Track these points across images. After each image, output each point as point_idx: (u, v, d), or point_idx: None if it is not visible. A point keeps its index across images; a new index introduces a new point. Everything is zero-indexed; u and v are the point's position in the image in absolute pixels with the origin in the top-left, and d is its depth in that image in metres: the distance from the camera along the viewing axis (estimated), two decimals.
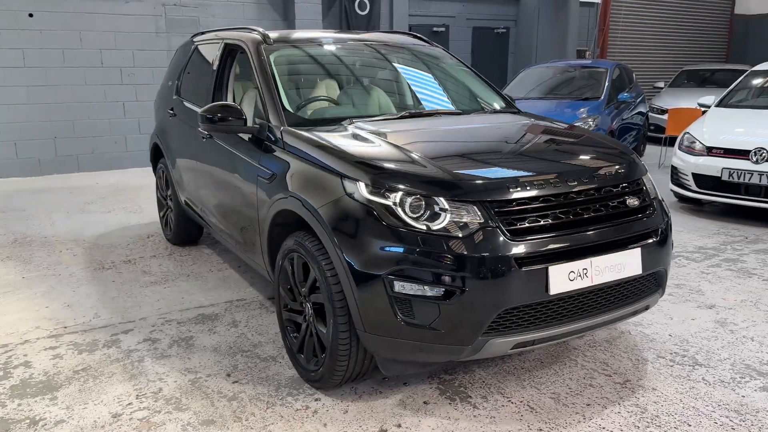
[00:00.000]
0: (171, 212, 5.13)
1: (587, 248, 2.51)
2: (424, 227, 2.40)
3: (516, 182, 2.50)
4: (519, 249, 2.38)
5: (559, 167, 2.70)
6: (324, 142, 2.89)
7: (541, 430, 2.59)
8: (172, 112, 4.77)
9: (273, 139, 3.18)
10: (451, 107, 3.79)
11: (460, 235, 2.36)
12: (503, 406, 2.76)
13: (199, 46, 4.69)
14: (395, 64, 4.07)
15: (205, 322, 3.67)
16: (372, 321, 2.49)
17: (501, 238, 2.37)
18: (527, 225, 2.44)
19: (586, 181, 2.62)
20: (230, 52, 4.08)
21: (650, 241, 2.71)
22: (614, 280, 2.59)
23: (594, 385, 2.92)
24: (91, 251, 5.09)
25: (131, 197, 7.11)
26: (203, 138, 3.98)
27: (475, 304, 2.35)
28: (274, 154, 3.12)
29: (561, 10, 12.47)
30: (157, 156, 5.34)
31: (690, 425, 2.60)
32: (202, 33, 4.94)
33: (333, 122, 3.28)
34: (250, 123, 3.35)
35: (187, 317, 3.75)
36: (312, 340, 2.87)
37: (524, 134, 3.27)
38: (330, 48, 3.96)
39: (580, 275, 2.48)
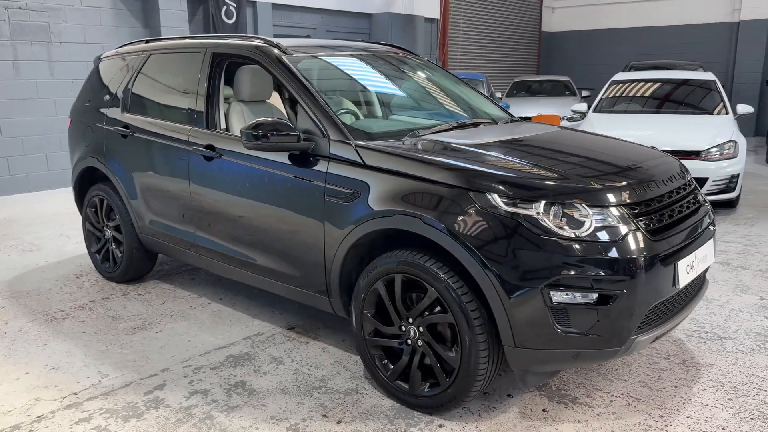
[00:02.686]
0: (115, 246, 4.45)
1: (692, 242, 2.74)
2: (573, 235, 2.44)
3: (638, 185, 2.64)
4: (659, 248, 2.53)
5: (653, 169, 2.90)
6: (428, 157, 2.78)
7: (662, 416, 2.76)
8: (125, 130, 4.15)
9: (338, 155, 2.96)
10: (484, 117, 3.83)
11: (612, 240, 2.44)
12: (612, 401, 2.89)
13: (155, 57, 4.15)
14: (410, 76, 4.01)
15: (243, 363, 3.28)
16: (526, 335, 2.46)
17: (646, 239, 2.50)
18: (656, 225, 2.59)
19: (677, 179, 2.86)
20: (220, 62, 3.70)
21: (713, 229, 3.03)
22: (703, 271, 2.87)
23: (663, 369, 3.18)
24: (19, 300, 4.21)
25: (9, 232, 5.99)
26: (206, 158, 3.54)
27: (631, 305, 2.44)
28: (348, 171, 2.91)
29: (409, 25, 13.09)
30: (87, 182, 4.60)
31: (765, 390, 2.97)
32: (144, 41, 4.39)
33: (396, 135, 3.15)
34: None
35: (217, 361, 3.31)
36: (416, 363, 2.75)
37: (584, 141, 3.41)
38: (347, 59, 3.78)
39: (691, 268, 2.71)
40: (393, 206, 2.72)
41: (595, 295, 2.43)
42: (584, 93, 13.00)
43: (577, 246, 2.42)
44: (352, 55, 3.83)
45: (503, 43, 16.59)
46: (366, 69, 3.86)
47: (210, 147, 3.54)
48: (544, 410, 2.82)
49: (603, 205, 2.51)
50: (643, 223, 2.54)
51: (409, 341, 2.79)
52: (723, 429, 2.66)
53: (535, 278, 2.42)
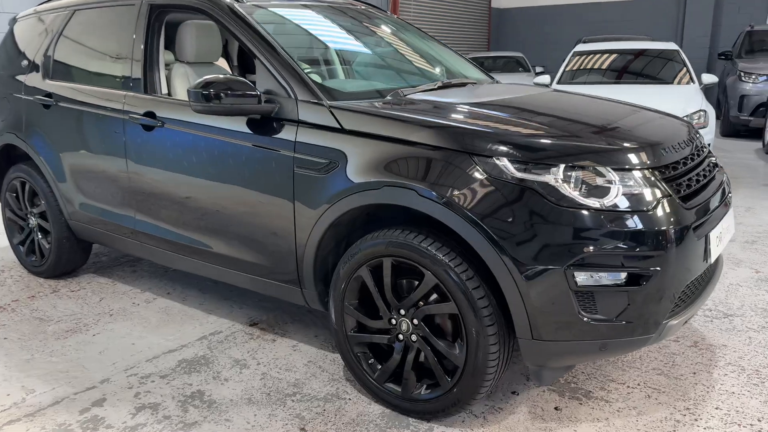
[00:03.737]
0: (42, 235, 3.84)
1: (718, 210, 2.41)
2: (598, 204, 2.05)
3: (662, 146, 2.27)
4: (691, 217, 2.17)
5: (670, 130, 2.54)
6: (421, 117, 2.33)
7: (688, 409, 2.44)
8: (48, 99, 3.53)
9: (309, 120, 2.48)
10: (465, 78, 3.40)
11: (642, 208, 2.06)
12: (630, 393, 2.55)
13: (81, 13, 3.54)
14: (381, 32, 3.54)
15: (199, 369, 2.78)
16: (545, 325, 2.07)
17: (680, 207, 2.14)
18: (686, 191, 2.24)
19: (693, 140, 2.52)
20: (159, 15, 3.14)
21: (731, 197, 2.72)
22: (726, 243, 2.54)
23: (675, 353, 2.87)
24: None
25: None
26: (145, 128, 2.99)
27: (666, 284, 2.08)
28: (321, 137, 2.44)
29: None
30: (4, 162, 3.95)
31: None
32: None
33: (375, 96, 2.68)
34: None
35: (167, 367, 2.80)
36: (410, 362, 2.33)
37: (589, 102, 2.99)
38: (307, 11, 3.27)
39: (719, 240, 2.37)
40: (379, 177, 2.27)
41: (624, 275, 2.06)
42: (538, 69, 12.79)
43: (603, 217, 2.03)
44: (312, 7, 3.33)
45: (453, 19, 16.23)
46: (330, 24, 3.37)
47: (150, 115, 2.99)
48: (556, 408, 2.45)
49: (630, 168, 2.12)
50: (674, 189, 2.18)
51: (400, 336, 2.36)
52: (759, 420, 2.36)
53: (557, 257, 2.02)
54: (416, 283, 2.32)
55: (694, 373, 2.69)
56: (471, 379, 2.20)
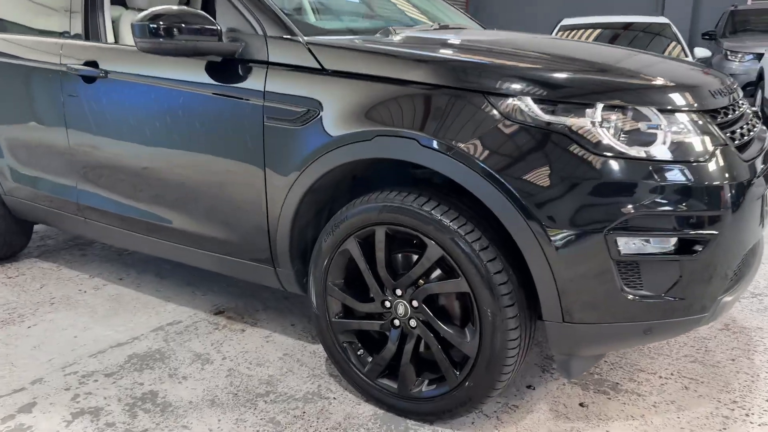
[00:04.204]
0: None
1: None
2: (643, 153, 1.65)
3: (707, 87, 1.88)
4: (749, 172, 1.79)
5: (705, 75, 2.15)
6: (422, 53, 1.91)
7: (735, 402, 2.07)
8: None
9: (281, 60, 2.04)
10: (466, 25, 2.96)
11: (697, 160, 1.67)
12: (664, 385, 2.17)
13: None
14: None
15: (152, 365, 2.33)
16: (579, 304, 1.67)
17: (738, 160, 1.75)
18: (740, 141, 1.85)
19: (733, 89, 2.12)
20: None
21: None
22: None
23: (707, 337, 2.51)
24: None
25: None
26: (86, 80, 2.51)
27: (724, 252, 1.70)
28: (297, 81, 2.00)
29: None
30: None
31: None
32: None
33: (360, 34, 2.25)
34: None
35: (114, 364, 2.34)
36: (409, 353, 1.92)
37: (604, 47, 2.59)
38: None
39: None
40: (370, 126, 1.84)
41: (675, 241, 1.67)
42: None
43: (650, 169, 1.64)
44: None
45: None
46: None
47: (92, 65, 2.51)
48: (582, 405, 2.06)
49: (677, 110, 1.73)
50: (729, 138, 1.80)
51: (396, 322, 1.95)
52: None
53: (595, 220, 1.62)
54: (416, 257, 1.90)
55: (733, 360, 2.33)
56: (485, 372, 1.79)
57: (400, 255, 1.97)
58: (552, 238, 1.63)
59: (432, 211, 1.77)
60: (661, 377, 2.22)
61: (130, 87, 2.42)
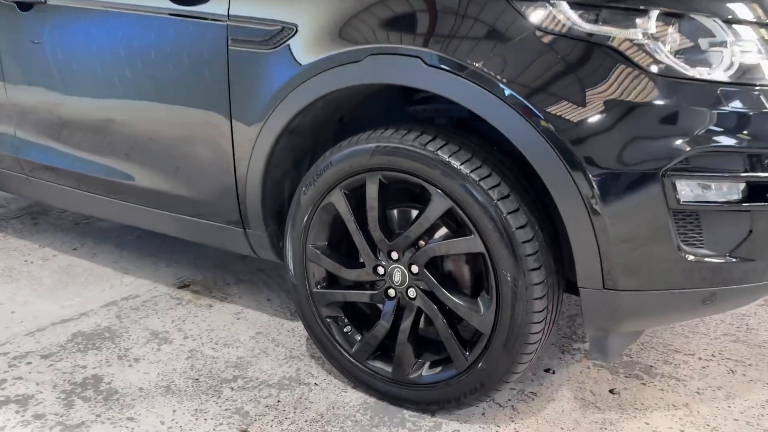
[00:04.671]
0: None
1: None
2: (707, 74, 1.30)
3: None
4: None
5: None
6: None
7: None
8: None
9: None
10: None
11: None
12: (706, 367, 1.84)
13: None
14: None
15: (99, 345, 1.96)
16: (627, 267, 1.32)
17: None
18: None
19: None
20: None
21: None
22: None
23: (747, 314, 2.17)
24: None
25: None
26: (20, 6, 2.11)
27: None
28: None
29: None
30: None
31: None
32: None
33: None
34: None
35: (54, 343, 1.97)
36: (407, 330, 1.57)
37: None
38: None
39: None
40: (359, 43, 1.46)
41: (745, 187, 1.32)
42: None
43: (718, 94, 1.29)
44: None
45: None
46: None
47: None
48: (612, 391, 1.72)
49: (746, 23, 1.37)
50: None
51: (392, 292, 1.59)
52: None
53: (650, 158, 1.27)
54: (417, 212, 1.55)
55: None
56: (502, 352, 1.44)
57: (397, 210, 1.62)
58: (594, 183, 1.27)
59: (438, 152, 1.40)
60: (700, 359, 1.89)
61: (70, 14, 2.02)
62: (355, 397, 1.69)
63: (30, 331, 2.05)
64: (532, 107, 1.28)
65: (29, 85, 2.20)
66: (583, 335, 2.01)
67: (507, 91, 1.30)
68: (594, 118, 1.27)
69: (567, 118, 1.28)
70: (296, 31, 1.55)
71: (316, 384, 1.75)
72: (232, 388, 1.73)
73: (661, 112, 1.28)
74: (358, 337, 1.69)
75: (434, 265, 1.54)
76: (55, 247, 2.80)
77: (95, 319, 2.13)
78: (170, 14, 1.76)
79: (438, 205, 1.44)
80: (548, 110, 1.28)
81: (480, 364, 1.48)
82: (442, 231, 1.53)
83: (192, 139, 1.82)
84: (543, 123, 1.28)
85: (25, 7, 2.11)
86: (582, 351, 1.92)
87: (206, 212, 1.93)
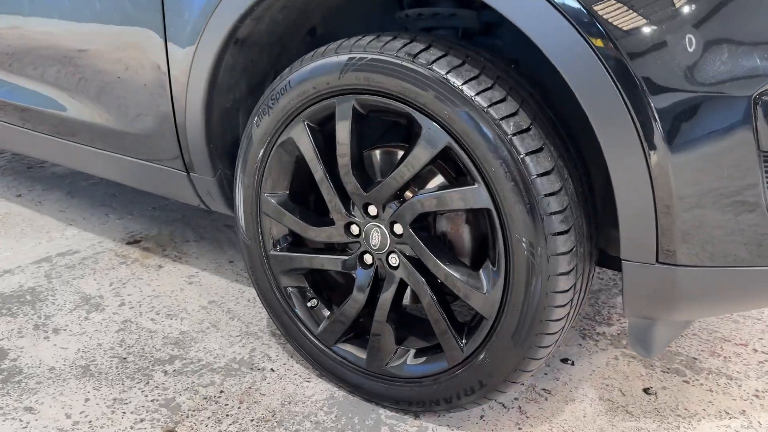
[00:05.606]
0: None
1: None
2: None
3: None
4: None
5: None
6: None
7: None
8: None
9: None
10: None
11: None
12: (764, 361, 1.46)
13: None
14: None
15: (15, 311, 1.60)
16: (694, 234, 0.93)
17: None
18: None
19: None
20: None
21: None
22: None
23: None
24: None
25: None
26: None
27: None
28: None
29: None
30: None
31: None
32: None
33: None
34: None
35: None
36: (386, 307, 1.19)
37: None
38: None
39: None
40: None
41: None
42: None
43: None
44: None
45: None
46: None
47: None
48: (647, 391, 1.35)
49: None
50: None
51: (368, 258, 1.21)
52: None
53: (738, 77, 0.87)
54: (401, 153, 1.16)
55: None
56: (511, 343, 1.07)
57: (377, 150, 1.23)
58: (656, 112, 0.87)
59: (432, 66, 1.00)
60: (756, 351, 1.51)
61: None
62: (319, 389, 1.33)
63: None
64: (584, 8, 0.88)
65: None
66: (609, 316, 1.64)
67: None
68: (662, 19, 0.87)
69: (624, 17, 0.87)
70: None
71: (272, 370, 1.39)
72: (166, 372, 1.37)
73: (759, 12, 0.87)
74: (326, 314, 1.32)
75: (423, 224, 1.15)
76: None
77: (19, 278, 1.77)
78: None
79: (430, 140, 1.04)
80: (605, 13, 0.88)
81: (480, 357, 1.11)
82: (436, 179, 1.14)
83: (117, 51, 1.42)
84: (589, 23, 0.88)
85: None
86: (608, 337, 1.55)
87: (144, 151, 1.54)
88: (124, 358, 1.42)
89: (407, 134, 1.22)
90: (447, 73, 0.99)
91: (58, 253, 1.93)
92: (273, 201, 1.28)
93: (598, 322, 1.61)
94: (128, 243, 2.02)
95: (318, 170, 1.20)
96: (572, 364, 1.44)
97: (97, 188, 2.46)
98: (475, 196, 1.03)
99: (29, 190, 2.48)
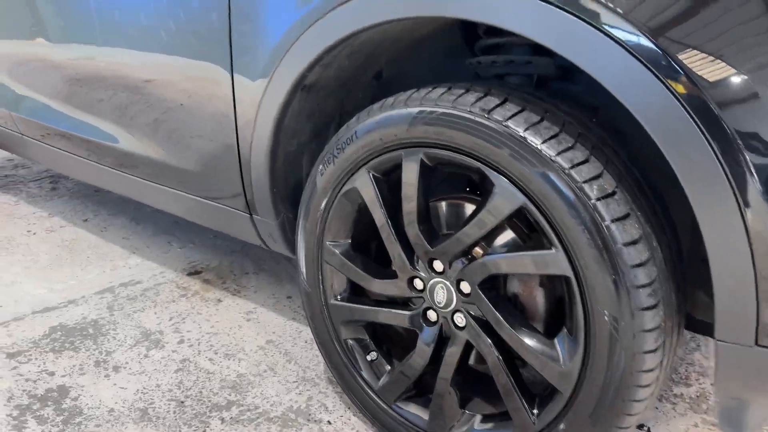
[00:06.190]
0: None
1: None
2: None
3: None
4: None
5: None
6: None
7: None
8: None
9: None
10: None
11: None
12: None
13: None
14: None
15: (77, 345, 1.62)
16: None
17: None
18: None
19: None
20: None
21: None
22: None
23: None
24: None
25: None
26: None
27: None
28: None
29: None
30: None
31: None
32: None
33: None
34: None
35: (26, 338, 1.64)
36: (451, 367, 1.13)
37: None
38: None
39: None
40: None
41: None
42: None
43: None
44: None
45: None
46: None
47: None
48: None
49: None
50: None
51: (432, 315, 1.16)
52: None
53: None
54: (472, 207, 1.11)
55: None
56: (588, 420, 0.99)
57: (444, 202, 1.17)
58: (756, 173, 0.79)
59: (508, 123, 0.94)
60: None
61: None
62: None
63: (5, 320, 1.73)
64: (667, 56, 0.80)
65: (15, 24, 1.85)
66: (687, 375, 1.52)
67: (628, 31, 0.82)
68: (754, 68, 0.79)
69: (713, 66, 0.79)
70: None
71: (329, 422, 1.34)
72: (223, 420, 1.35)
73: None
74: (387, 368, 1.27)
75: (493, 284, 1.09)
76: (65, 217, 2.50)
77: (83, 310, 1.79)
78: None
79: (503, 200, 0.98)
80: (692, 61, 0.80)
81: (553, 430, 1.03)
82: (508, 236, 1.08)
83: (185, 93, 1.42)
84: (675, 73, 0.80)
85: None
86: (687, 399, 1.43)
87: (207, 190, 1.53)
88: (182, 402, 1.40)
89: (475, 184, 1.16)
90: (525, 131, 0.93)
91: (121, 283, 1.96)
92: (335, 250, 1.24)
93: (676, 382, 1.49)
94: (189, 274, 2.03)
95: (382, 221, 1.15)
96: (648, 430, 1.33)
97: (160, 215, 2.49)
98: (553, 262, 0.95)
99: (95, 214, 2.54)
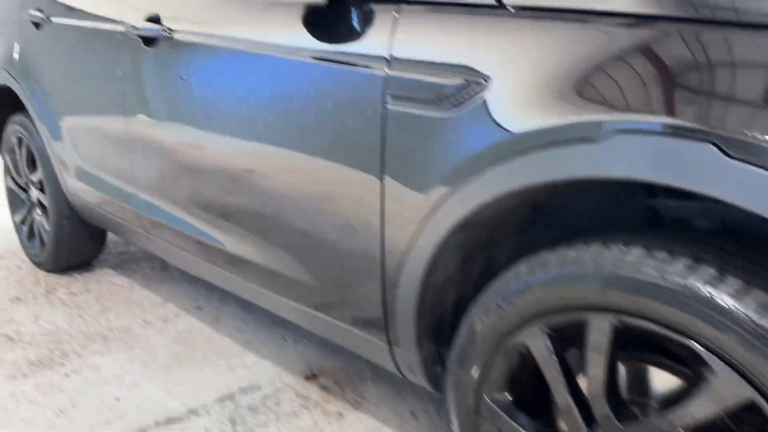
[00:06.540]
0: (41, 213, 2.78)
1: None
2: None
3: None
4: None
5: None
6: None
7: None
8: (38, 15, 2.41)
9: None
10: None
11: None
12: None
13: None
14: None
15: None
16: None
17: None
18: None
19: None
20: None
21: None
22: None
23: None
24: None
25: None
26: (146, 42, 1.79)
27: None
28: (444, 33, 1.11)
29: None
30: (4, 108, 2.90)
31: None
32: None
33: None
34: None
35: None
36: None
37: None
38: None
39: None
40: (598, 111, 0.90)
41: None
42: None
43: None
44: None
45: None
46: None
47: (154, 20, 1.77)
48: None
49: None
50: None
51: None
52: None
53: None
54: (658, 371, 0.96)
55: None
56: None
57: (628, 363, 1.03)
58: None
59: (737, 305, 0.80)
60: None
61: (197, 51, 1.66)
62: None
63: None
64: None
65: (147, 135, 1.88)
66: None
67: None
68: None
69: None
70: (486, 88, 1.02)
71: None
72: None
73: None
74: None
75: None
76: (179, 304, 2.50)
77: (205, 422, 1.74)
78: (316, 59, 1.31)
79: (722, 391, 0.83)
80: None
81: None
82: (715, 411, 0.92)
83: (323, 212, 1.36)
84: None
85: (149, 42, 1.78)
86: None
87: (335, 309, 1.46)
88: None
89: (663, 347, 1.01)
90: (761, 318, 0.78)
91: (240, 388, 1.90)
92: (494, 406, 1.12)
93: None
94: (307, 377, 1.95)
95: (557, 382, 1.02)
96: None
97: None
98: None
99: (207, 300, 2.53)
